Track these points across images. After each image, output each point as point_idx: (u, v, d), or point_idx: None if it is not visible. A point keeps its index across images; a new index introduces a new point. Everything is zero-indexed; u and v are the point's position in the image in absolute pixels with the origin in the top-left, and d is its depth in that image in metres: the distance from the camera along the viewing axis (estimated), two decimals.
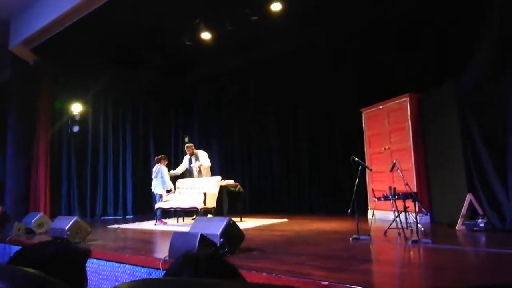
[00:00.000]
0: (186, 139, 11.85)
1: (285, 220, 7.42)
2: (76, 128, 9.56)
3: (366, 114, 7.42)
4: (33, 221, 6.47)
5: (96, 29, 7.87)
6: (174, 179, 8.29)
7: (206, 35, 7.98)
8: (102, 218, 10.06)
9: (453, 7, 5.96)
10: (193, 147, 8.64)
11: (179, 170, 8.51)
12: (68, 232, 5.00)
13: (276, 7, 7.10)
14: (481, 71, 5.17)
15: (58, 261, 1.11)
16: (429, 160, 6.23)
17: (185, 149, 8.61)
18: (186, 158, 8.65)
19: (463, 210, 5.00)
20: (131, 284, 0.69)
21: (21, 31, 8.37)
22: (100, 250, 4.49)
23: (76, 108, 9.68)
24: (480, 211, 4.92)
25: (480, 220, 4.79)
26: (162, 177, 7.70)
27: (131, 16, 7.58)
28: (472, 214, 5.01)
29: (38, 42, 8.32)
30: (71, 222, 5.09)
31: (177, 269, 0.90)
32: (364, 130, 7.47)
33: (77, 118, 9.66)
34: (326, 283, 2.57)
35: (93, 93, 10.12)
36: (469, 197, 4.98)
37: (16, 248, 5.67)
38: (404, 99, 6.47)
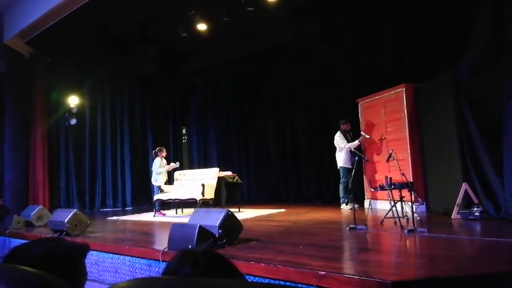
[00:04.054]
0: (184, 131, 11.88)
1: (283, 210, 7.47)
2: (73, 121, 9.55)
3: (362, 104, 7.44)
4: (32, 214, 6.50)
5: (92, 20, 7.81)
6: (172, 170, 8.30)
7: (202, 26, 7.94)
8: (101, 210, 10.10)
9: None
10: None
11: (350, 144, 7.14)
12: (67, 225, 5.02)
13: None
14: (477, 59, 5.18)
15: (51, 258, 1.11)
16: (425, 150, 6.26)
17: (342, 124, 7.39)
18: (342, 135, 7.36)
19: (459, 199, 5.05)
20: (129, 284, 0.71)
21: (15, 23, 8.30)
22: (99, 242, 4.53)
23: (73, 100, 9.65)
24: (475, 200, 4.98)
25: (475, 209, 4.84)
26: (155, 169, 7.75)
27: (127, 6, 7.53)
28: (467, 203, 5.06)
29: (33, 34, 8.24)
30: (70, 215, 5.11)
31: (176, 265, 0.93)
32: (360, 120, 7.48)
33: (74, 110, 9.64)
34: (324, 272, 2.61)
35: (89, 85, 10.08)
36: (464, 186, 5.02)
37: (15, 241, 5.71)
38: (400, 90, 6.48)
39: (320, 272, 2.62)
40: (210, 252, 0.96)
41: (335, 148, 7.45)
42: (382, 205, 6.36)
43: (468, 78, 5.25)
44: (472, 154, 5.12)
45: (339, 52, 8.42)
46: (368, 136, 6.99)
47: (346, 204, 7.11)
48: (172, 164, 8.04)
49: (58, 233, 5.15)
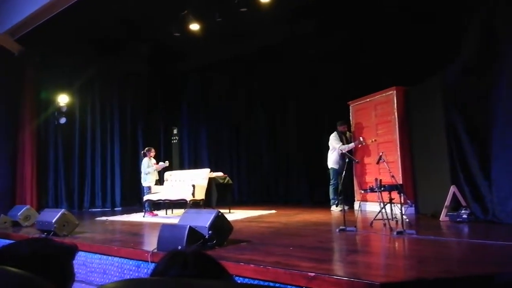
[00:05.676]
0: (175, 131, 11.82)
1: (273, 211, 7.48)
2: (63, 120, 9.44)
3: (354, 106, 7.48)
4: (19, 214, 6.40)
5: (83, 18, 7.75)
6: (163, 170, 8.25)
7: (194, 26, 7.92)
8: (90, 210, 10.00)
9: (441, 1, 6.04)
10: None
11: (344, 146, 7.12)
12: (55, 225, 4.94)
13: None
14: (467, 64, 5.24)
15: (39, 259, 1.09)
16: (414, 152, 6.32)
17: (338, 126, 7.38)
18: (337, 136, 7.33)
19: (447, 202, 5.10)
20: (117, 285, 0.70)
21: (5, 21, 8.19)
22: (88, 242, 4.48)
23: (63, 99, 9.54)
24: (463, 203, 5.03)
25: (463, 212, 4.90)
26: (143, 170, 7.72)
27: (118, 5, 7.48)
28: (455, 205, 5.12)
29: (22, 32, 8.16)
30: (58, 215, 5.04)
31: (165, 266, 0.92)
32: (351, 122, 7.53)
33: (64, 109, 9.53)
34: (313, 274, 2.61)
35: (79, 84, 9.99)
36: (452, 189, 5.08)
37: (1, 241, 5.61)
38: (391, 92, 6.54)
39: (309, 274, 2.63)
40: (199, 253, 0.96)
41: (326, 150, 7.48)
42: (372, 207, 6.40)
43: (457, 82, 5.31)
44: (461, 157, 5.18)
45: (331, 54, 8.46)
46: (364, 143, 7.03)
47: (336, 206, 7.14)
48: (161, 163, 7.98)
49: (45, 234, 5.08)
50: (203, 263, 0.94)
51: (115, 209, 10.22)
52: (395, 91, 6.46)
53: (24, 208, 6.59)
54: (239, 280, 2.94)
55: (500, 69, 4.77)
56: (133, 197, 10.39)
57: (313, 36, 8.52)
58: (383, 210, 4.81)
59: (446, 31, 6.00)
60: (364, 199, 6.86)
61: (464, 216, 4.86)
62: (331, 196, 7.31)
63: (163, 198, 7.37)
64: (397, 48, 7.17)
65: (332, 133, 7.44)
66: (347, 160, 5.55)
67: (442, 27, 6.17)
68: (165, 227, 3.82)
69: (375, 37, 7.59)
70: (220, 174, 8.09)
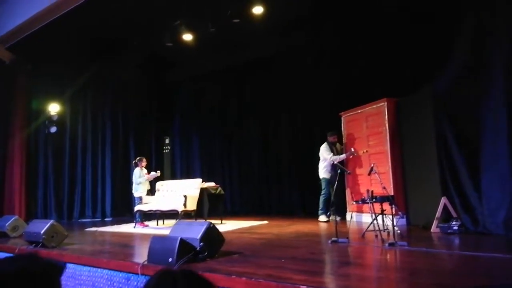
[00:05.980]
0: (167, 140, 11.77)
1: (265, 222, 7.45)
2: (53, 129, 9.35)
3: (345, 118, 7.53)
4: (7, 224, 6.31)
5: (75, 27, 7.74)
6: (154, 180, 8.19)
7: (187, 36, 7.96)
8: (79, 220, 9.87)
9: (430, 12, 6.13)
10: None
11: (336, 157, 7.20)
12: (43, 236, 4.88)
13: (257, 10, 7.15)
14: (456, 75, 5.31)
15: (24, 277, 1.06)
16: (405, 164, 6.36)
17: (329, 136, 7.45)
18: (328, 147, 7.40)
19: (438, 213, 5.13)
20: None
21: None
22: (77, 254, 4.42)
23: (54, 108, 9.47)
24: (453, 214, 5.06)
25: (454, 223, 4.93)
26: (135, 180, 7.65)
27: (111, 15, 7.49)
28: (446, 216, 5.15)
29: (14, 41, 8.12)
30: (47, 226, 4.97)
31: (155, 284, 0.91)
32: (343, 133, 7.57)
33: (55, 118, 9.45)
34: (305, 287, 2.60)
35: (71, 93, 9.93)
36: (443, 200, 5.11)
37: None
38: (381, 104, 6.59)
39: (301, 287, 2.61)
40: (188, 272, 0.95)
41: (318, 160, 7.49)
42: (364, 218, 6.41)
43: (447, 93, 5.36)
44: (451, 169, 5.22)
45: (323, 65, 8.53)
46: (356, 154, 7.06)
47: (328, 217, 7.13)
48: (152, 173, 7.92)
49: (33, 245, 5.01)
50: (192, 281, 0.93)
51: (105, 219, 10.10)
52: (386, 103, 6.51)
53: (12, 219, 6.49)
54: None
55: (490, 78, 4.82)
56: (124, 207, 10.28)
57: (305, 47, 8.60)
58: (375, 222, 4.82)
59: (437, 42, 6.06)
60: (356, 210, 6.87)
61: (455, 227, 4.88)
62: (320, 206, 7.32)
63: (154, 209, 7.30)
64: (389, 59, 7.23)
65: (323, 143, 7.48)
66: (339, 171, 5.57)
67: (433, 37, 6.24)
68: (155, 239, 3.78)
69: (368, 48, 7.66)
70: (212, 184, 8.04)
